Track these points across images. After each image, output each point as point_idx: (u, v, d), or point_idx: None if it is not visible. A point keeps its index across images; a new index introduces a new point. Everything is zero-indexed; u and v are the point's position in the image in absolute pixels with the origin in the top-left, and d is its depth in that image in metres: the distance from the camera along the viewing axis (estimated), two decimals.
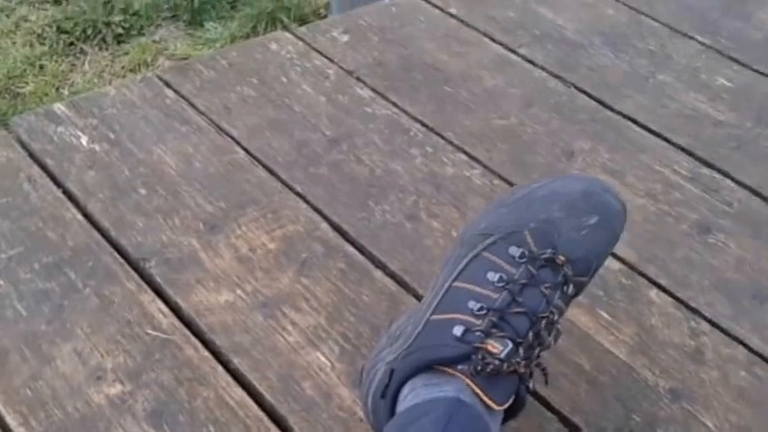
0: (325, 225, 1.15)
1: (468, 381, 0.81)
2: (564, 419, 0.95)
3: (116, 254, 1.11)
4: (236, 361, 1.00)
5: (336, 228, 1.15)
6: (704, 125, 1.31)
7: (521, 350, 0.83)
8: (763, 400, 0.97)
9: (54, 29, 2.65)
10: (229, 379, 0.98)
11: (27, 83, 2.48)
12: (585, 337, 1.02)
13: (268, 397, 0.96)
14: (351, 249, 1.12)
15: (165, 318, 1.04)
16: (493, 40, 1.49)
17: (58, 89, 2.47)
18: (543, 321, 0.85)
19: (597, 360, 1.00)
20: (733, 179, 1.22)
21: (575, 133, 1.30)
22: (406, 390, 0.84)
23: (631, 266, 1.10)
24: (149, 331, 1.02)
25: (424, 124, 1.31)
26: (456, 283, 0.88)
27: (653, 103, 1.35)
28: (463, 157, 1.25)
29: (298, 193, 1.20)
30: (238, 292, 1.07)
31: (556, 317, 0.87)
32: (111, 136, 1.28)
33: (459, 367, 0.82)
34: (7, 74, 2.49)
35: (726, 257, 1.12)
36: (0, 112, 2.33)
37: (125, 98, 1.35)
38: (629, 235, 1.14)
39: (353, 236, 1.14)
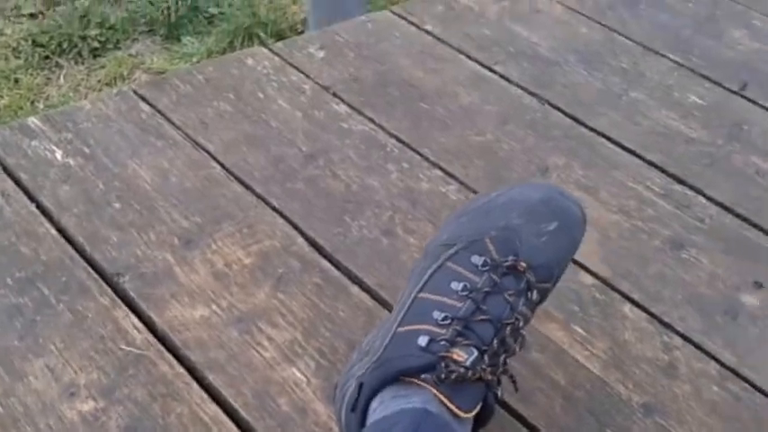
0: (301, 240, 1.15)
1: (433, 390, 0.81)
2: None
3: (90, 269, 1.11)
4: (211, 377, 0.99)
5: (312, 243, 1.15)
6: (676, 142, 1.32)
7: (486, 357, 0.83)
8: (736, 415, 0.97)
9: (29, 42, 2.64)
10: (204, 395, 0.97)
11: (2, 96, 2.47)
12: (560, 352, 1.02)
13: (243, 413, 0.96)
14: (327, 265, 1.12)
15: (139, 333, 1.03)
16: (468, 57, 1.49)
17: (33, 103, 2.45)
18: (508, 328, 0.85)
19: (572, 375, 1.00)
20: (705, 196, 1.23)
21: (549, 150, 1.31)
22: (375, 403, 0.84)
23: (605, 282, 1.11)
24: (123, 347, 1.02)
25: (400, 140, 1.31)
26: (421, 295, 0.88)
27: (626, 121, 1.36)
28: (439, 173, 1.25)
29: (274, 209, 1.20)
30: (213, 307, 1.07)
31: (521, 323, 0.87)
32: (86, 150, 1.28)
33: (425, 377, 0.82)
34: None
35: (698, 273, 1.12)
36: None
37: (100, 112, 1.35)
38: (604, 251, 1.14)
39: (330, 251, 1.14)
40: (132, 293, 1.08)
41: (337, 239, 1.15)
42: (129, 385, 0.98)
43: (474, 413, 0.83)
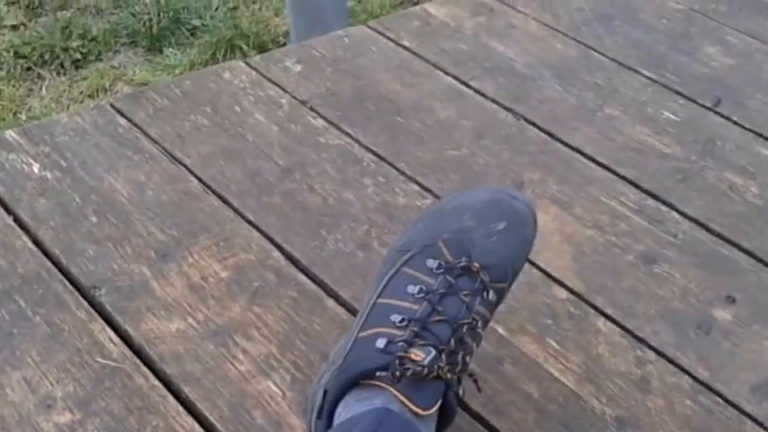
0: (277, 254, 1.16)
1: (391, 389, 0.83)
2: None
3: (66, 282, 1.11)
4: (187, 390, 1.00)
5: (289, 256, 1.16)
6: (650, 158, 1.34)
7: (444, 356, 0.85)
8: (708, 429, 0.99)
9: (11, 54, 2.64)
10: (180, 408, 0.98)
11: None
12: (534, 366, 1.04)
13: (219, 426, 0.97)
14: (303, 278, 1.13)
15: (116, 346, 1.04)
16: (445, 72, 1.51)
17: (15, 114, 2.45)
18: (465, 327, 0.88)
19: (545, 388, 1.01)
20: (678, 211, 1.25)
21: (524, 164, 1.32)
22: (339, 408, 0.86)
23: (579, 296, 1.12)
24: (99, 360, 1.02)
25: (376, 154, 1.33)
26: (380, 300, 0.90)
27: (600, 136, 1.38)
28: (415, 187, 1.27)
29: (250, 222, 1.21)
30: (190, 320, 1.07)
31: (478, 323, 0.89)
32: (63, 164, 1.28)
33: (382, 375, 0.84)
34: None
35: (671, 287, 1.14)
36: None
37: (77, 126, 1.35)
38: (578, 265, 1.16)
39: (305, 264, 1.15)
40: (108, 306, 1.08)
41: (313, 253, 1.17)
42: (105, 398, 0.98)
43: (434, 410, 0.85)
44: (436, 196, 1.25)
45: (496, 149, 1.35)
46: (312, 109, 1.41)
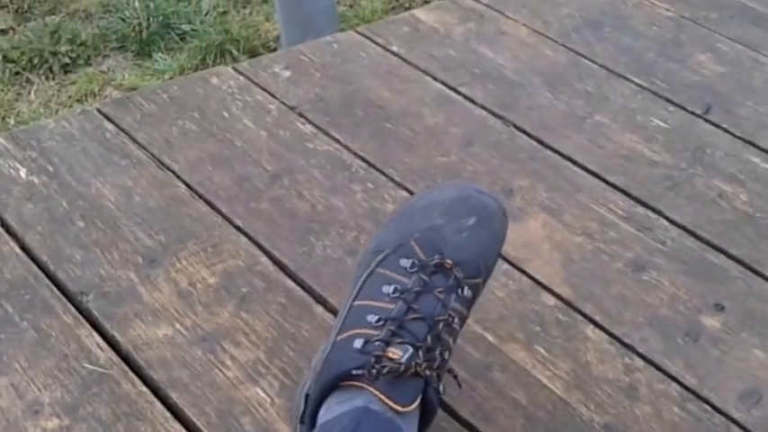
0: (265, 260, 1.17)
1: (370, 388, 0.85)
2: None
3: (54, 287, 1.12)
4: (175, 396, 1.01)
5: (277, 262, 1.17)
6: (640, 165, 1.35)
7: (421, 353, 0.87)
8: None
9: (0, 58, 2.64)
10: (167, 414, 0.99)
11: None
12: (522, 372, 1.05)
13: None
14: (291, 284, 1.14)
15: (103, 352, 1.05)
16: (434, 78, 1.52)
17: (3, 118, 2.46)
18: (441, 324, 0.89)
19: (533, 395, 1.02)
20: (667, 218, 1.26)
21: (514, 171, 1.33)
22: (322, 411, 0.87)
23: (568, 303, 1.13)
24: (86, 365, 1.03)
25: (365, 160, 1.34)
26: (356, 302, 0.92)
27: (590, 143, 1.39)
28: (404, 193, 1.28)
29: (238, 228, 1.21)
30: (177, 326, 1.08)
31: (455, 319, 0.91)
32: (50, 169, 1.29)
33: (360, 374, 0.85)
34: None
35: (660, 295, 1.15)
36: None
37: (64, 131, 1.36)
38: (566, 272, 1.17)
39: (294, 271, 1.16)
40: (96, 312, 1.09)
41: (302, 259, 1.17)
42: (92, 404, 0.99)
43: (414, 407, 0.86)
44: None
45: (485, 156, 1.36)
46: (301, 115, 1.42)
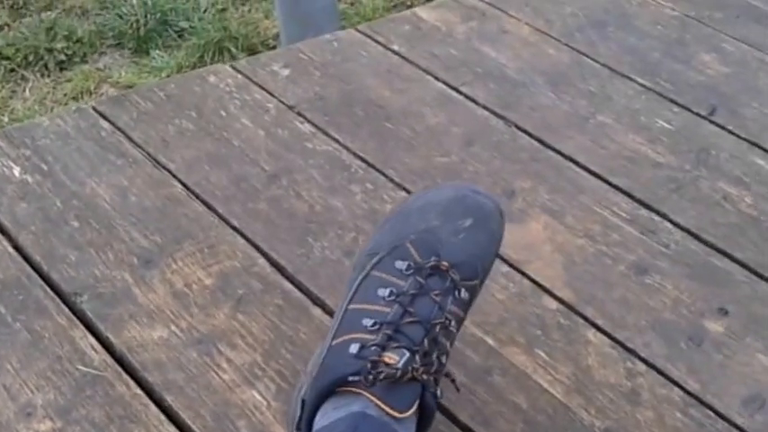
0: (262, 261, 1.17)
1: (366, 394, 0.85)
2: None
3: (47, 288, 1.12)
4: (170, 399, 1.01)
5: (274, 264, 1.17)
6: (643, 167, 1.36)
7: (418, 357, 0.87)
8: None
9: None
10: (162, 417, 0.99)
11: None
12: (523, 377, 1.05)
13: None
14: (288, 286, 1.14)
15: (97, 354, 1.05)
16: (435, 77, 1.52)
17: None
18: (438, 327, 0.89)
19: (534, 399, 1.03)
20: (671, 221, 1.26)
21: (515, 172, 1.34)
22: (318, 417, 0.87)
23: (569, 306, 1.13)
24: (80, 367, 1.03)
25: (364, 161, 1.34)
26: (351, 306, 0.92)
27: (593, 144, 1.39)
28: (404, 194, 1.28)
29: (235, 228, 1.22)
30: (173, 328, 1.08)
31: (452, 322, 0.91)
32: (44, 167, 1.29)
33: (356, 380, 0.85)
34: None
35: (663, 299, 1.15)
36: None
37: (59, 129, 1.36)
38: (568, 275, 1.17)
39: (291, 272, 1.16)
40: (90, 313, 1.09)
41: (299, 260, 1.18)
42: (86, 406, 0.99)
43: (411, 412, 0.86)
44: None
45: (487, 157, 1.36)
46: (299, 114, 1.42)
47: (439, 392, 0.89)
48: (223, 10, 2.85)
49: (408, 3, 2.80)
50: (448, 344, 0.91)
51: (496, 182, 1.31)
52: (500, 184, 1.31)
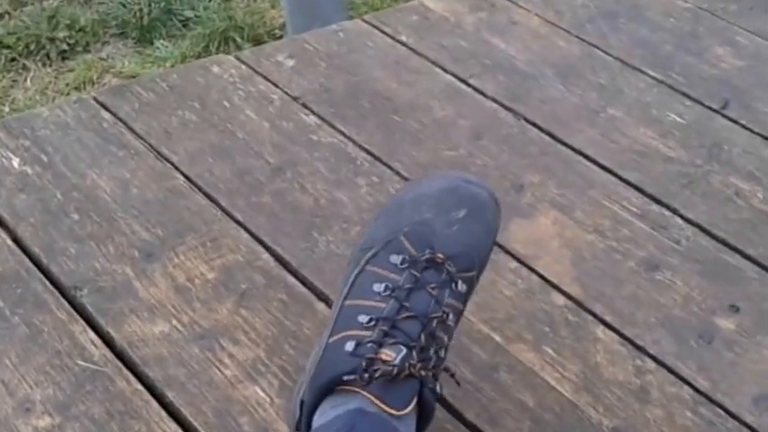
0: (266, 255, 1.17)
1: (363, 392, 0.85)
2: None
3: (46, 281, 1.12)
4: (171, 395, 1.01)
5: (278, 258, 1.17)
6: (654, 161, 1.35)
7: (415, 353, 0.87)
8: None
9: None
10: (163, 413, 0.99)
11: None
12: (530, 374, 1.05)
13: None
14: (292, 280, 1.14)
15: (97, 349, 1.05)
16: (443, 69, 1.52)
17: None
18: (435, 321, 0.89)
19: (541, 397, 1.03)
20: (682, 216, 1.26)
21: (524, 166, 1.33)
22: (316, 416, 0.87)
23: (578, 303, 1.13)
24: (80, 362, 1.03)
25: (370, 153, 1.34)
26: (347, 302, 0.92)
27: (603, 138, 1.39)
28: None
29: (239, 222, 1.22)
30: (174, 322, 1.08)
31: (449, 315, 0.91)
32: (44, 158, 1.29)
33: (351, 379, 0.85)
34: None
35: (673, 295, 1.15)
36: None
37: (59, 119, 1.37)
38: (577, 271, 1.17)
39: (296, 266, 1.16)
40: (90, 308, 1.09)
41: (304, 255, 1.18)
42: (85, 402, 0.99)
43: (409, 409, 0.86)
44: None
45: (495, 150, 1.36)
46: (305, 105, 1.42)
47: (438, 388, 0.89)
48: None
49: None
50: (446, 338, 0.90)
51: (505, 176, 1.31)
52: (508, 178, 1.31)
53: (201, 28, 2.68)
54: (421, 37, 1.59)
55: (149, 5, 2.74)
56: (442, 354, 0.90)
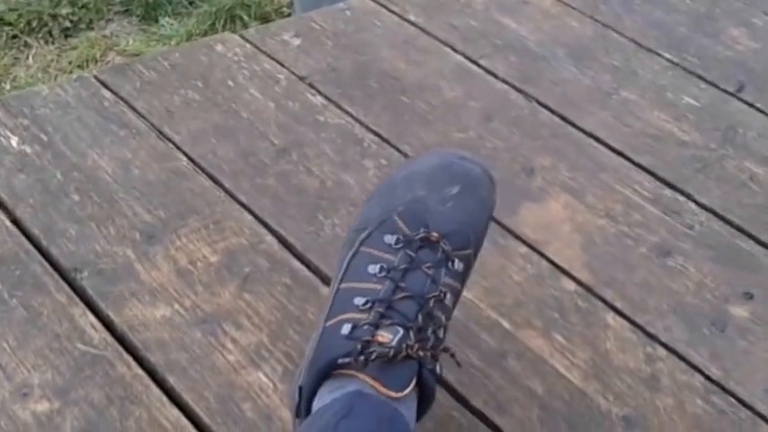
0: (270, 238, 1.17)
1: (360, 375, 0.85)
2: None
3: (46, 263, 1.12)
4: (172, 380, 1.01)
5: (282, 241, 1.17)
6: (668, 145, 1.35)
7: (412, 334, 0.87)
8: (720, 430, 1.00)
9: None
10: (164, 398, 0.99)
11: None
12: (539, 361, 1.05)
13: (205, 418, 0.98)
14: (297, 264, 1.14)
15: (97, 332, 1.05)
16: (453, 49, 1.52)
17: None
18: (432, 301, 0.89)
19: (550, 385, 1.03)
20: (695, 201, 1.26)
21: (535, 149, 1.33)
22: (315, 402, 0.87)
23: (588, 289, 1.13)
24: (79, 346, 1.04)
25: (378, 135, 1.34)
26: (342, 285, 0.92)
27: (616, 121, 1.39)
28: None
29: (242, 204, 1.22)
30: (176, 306, 1.09)
31: (447, 294, 0.91)
32: (44, 138, 1.29)
33: (347, 362, 0.85)
34: None
35: (685, 282, 1.15)
36: None
37: (59, 98, 1.36)
38: (587, 256, 1.17)
39: (300, 250, 1.16)
40: (90, 290, 1.10)
41: (309, 238, 1.18)
42: (85, 386, 0.99)
43: (408, 390, 0.86)
44: None
45: (506, 133, 1.36)
46: (311, 85, 1.42)
47: (438, 368, 0.89)
48: None
49: None
50: (444, 318, 0.90)
51: (515, 158, 1.31)
52: (519, 160, 1.31)
53: (207, 5, 2.67)
54: (430, 16, 1.58)
55: None
56: (440, 334, 0.90)
